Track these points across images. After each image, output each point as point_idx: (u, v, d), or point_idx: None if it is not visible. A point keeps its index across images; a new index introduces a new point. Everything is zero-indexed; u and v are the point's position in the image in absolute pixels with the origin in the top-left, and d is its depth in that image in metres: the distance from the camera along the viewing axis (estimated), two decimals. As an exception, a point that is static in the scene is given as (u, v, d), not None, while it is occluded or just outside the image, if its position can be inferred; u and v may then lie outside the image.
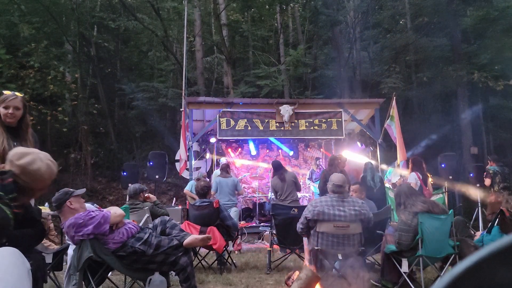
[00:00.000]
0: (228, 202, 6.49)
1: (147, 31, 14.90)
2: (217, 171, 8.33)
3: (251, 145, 10.35)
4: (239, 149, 10.59)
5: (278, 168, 6.67)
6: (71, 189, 3.15)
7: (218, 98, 9.99)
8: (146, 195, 4.89)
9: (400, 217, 3.77)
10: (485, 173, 7.32)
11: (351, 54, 15.20)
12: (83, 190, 3.24)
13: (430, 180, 6.71)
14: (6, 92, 2.82)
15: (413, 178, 6.13)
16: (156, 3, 14.27)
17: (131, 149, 14.20)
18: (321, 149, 10.68)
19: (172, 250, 3.09)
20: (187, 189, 7.44)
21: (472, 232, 4.80)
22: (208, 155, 10.14)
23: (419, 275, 3.76)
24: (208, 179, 7.67)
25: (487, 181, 7.13)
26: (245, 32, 16.79)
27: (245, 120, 8.48)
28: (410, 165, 6.47)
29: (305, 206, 4.01)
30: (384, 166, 8.45)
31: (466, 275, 0.38)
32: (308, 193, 9.60)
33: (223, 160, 8.37)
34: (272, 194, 9.34)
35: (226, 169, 7.13)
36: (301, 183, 7.64)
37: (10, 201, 1.75)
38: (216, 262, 4.98)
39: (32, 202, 3.06)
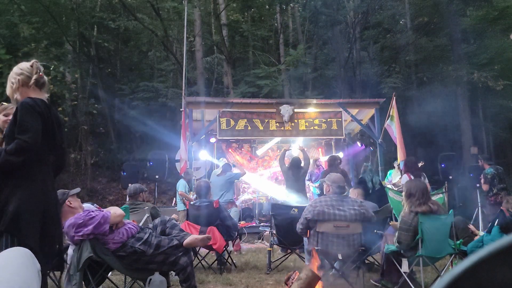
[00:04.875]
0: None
1: (147, 31, 14.90)
2: (216, 171, 8.32)
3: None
4: (242, 149, 10.55)
5: (295, 166, 6.66)
6: (66, 190, 3.16)
7: (218, 98, 9.97)
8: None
9: (401, 215, 3.76)
10: (482, 178, 7.06)
11: (351, 54, 15.20)
12: (78, 189, 3.25)
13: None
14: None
15: (405, 180, 6.09)
16: (156, 3, 14.27)
17: (131, 149, 14.20)
18: (320, 149, 10.67)
19: (172, 250, 3.09)
20: (181, 190, 7.43)
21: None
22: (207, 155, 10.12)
23: (419, 275, 3.76)
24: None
25: (485, 187, 6.94)
26: (245, 32, 16.78)
27: (245, 120, 8.47)
28: (403, 167, 6.42)
29: (305, 207, 4.01)
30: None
31: (466, 275, 0.38)
32: (308, 194, 9.57)
33: (224, 160, 8.33)
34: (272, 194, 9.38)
35: (227, 168, 7.18)
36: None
37: None
38: (216, 262, 4.98)
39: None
